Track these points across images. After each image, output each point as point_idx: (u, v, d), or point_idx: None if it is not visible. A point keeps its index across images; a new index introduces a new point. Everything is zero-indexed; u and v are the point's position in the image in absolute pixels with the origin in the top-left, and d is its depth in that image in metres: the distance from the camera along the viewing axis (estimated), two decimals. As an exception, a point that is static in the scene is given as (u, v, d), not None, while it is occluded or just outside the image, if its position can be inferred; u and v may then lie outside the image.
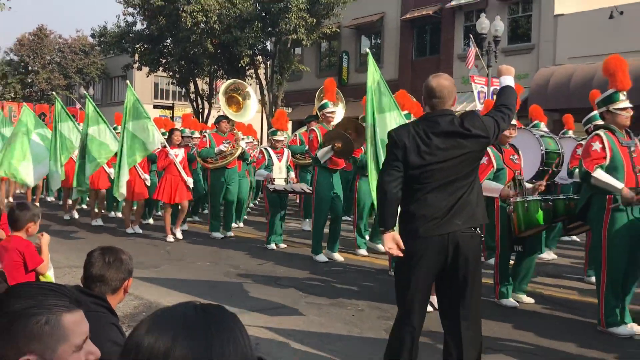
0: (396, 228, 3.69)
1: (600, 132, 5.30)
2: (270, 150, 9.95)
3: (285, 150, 10.11)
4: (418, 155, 3.54)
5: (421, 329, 3.72)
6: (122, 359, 1.20)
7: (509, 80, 4.00)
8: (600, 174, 5.10)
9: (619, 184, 5.04)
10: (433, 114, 3.68)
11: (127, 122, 9.40)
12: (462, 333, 3.59)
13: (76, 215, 12.60)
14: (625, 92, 5.33)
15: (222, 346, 1.15)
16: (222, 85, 11.13)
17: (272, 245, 9.35)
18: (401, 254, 3.58)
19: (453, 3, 24.36)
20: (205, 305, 1.23)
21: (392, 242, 3.60)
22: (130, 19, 29.56)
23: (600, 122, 7.62)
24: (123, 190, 9.32)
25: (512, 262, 6.34)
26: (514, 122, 6.31)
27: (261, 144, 17.61)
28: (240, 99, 10.74)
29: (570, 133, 9.54)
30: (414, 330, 3.66)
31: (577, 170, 6.84)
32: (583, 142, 7.49)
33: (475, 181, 3.69)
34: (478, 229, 3.67)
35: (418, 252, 3.57)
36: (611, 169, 5.14)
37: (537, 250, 6.27)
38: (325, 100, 9.12)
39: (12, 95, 42.25)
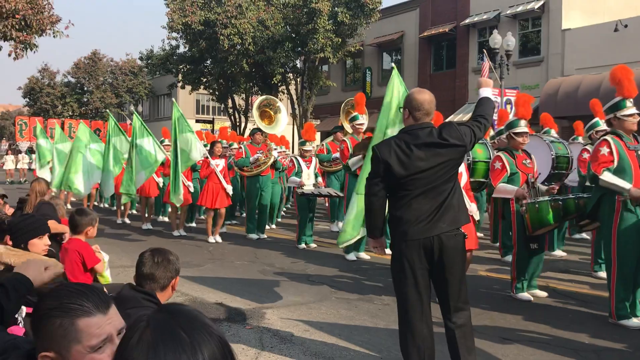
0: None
1: (608, 137, 5.20)
2: (299, 159, 9.98)
3: (313, 158, 10.13)
4: (401, 167, 3.54)
5: (429, 325, 3.66)
6: None
7: (486, 92, 4.00)
8: (607, 176, 5.02)
9: (626, 184, 4.95)
10: (413, 127, 3.66)
11: (177, 135, 9.51)
12: (456, 327, 3.64)
13: (128, 220, 12.77)
14: (631, 100, 5.23)
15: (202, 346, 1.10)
16: (256, 101, 11.22)
17: (303, 245, 9.36)
18: (385, 254, 3.67)
19: (467, 21, 24.20)
20: (177, 311, 1.17)
21: (376, 244, 3.85)
22: (173, 42, 29.95)
23: (600, 128, 7.52)
24: (181, 197, 9.47)
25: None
26: (526, 129, 6.24)
27: (293, 153, 17.66)
28: (272, 113, 10.82)
29: (580, 139, 9.36)
30: (421, 328, 3.62)
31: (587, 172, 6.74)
32: (588, 147, 7.38)
33: (456, 186, 3.68)
34: (460, 229, 3.66)
35: (408, 254, 3.58)
36: (619, 172, 5.04)
37: (544, 249, 6.18)
38: (355, 113, 9.11)
39: (70, 113, 43.17)
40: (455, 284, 3.62)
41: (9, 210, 5.44)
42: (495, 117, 15.55)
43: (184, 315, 1.15)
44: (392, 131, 6.12)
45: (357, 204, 6.05)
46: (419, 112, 3.65)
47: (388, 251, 4.22)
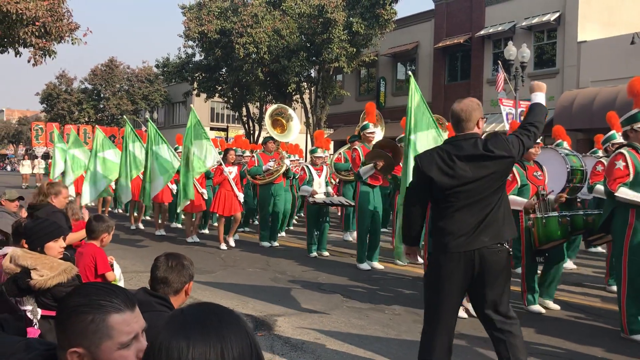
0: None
1: (624, 150, 5.16)
2: (310, 167, 10.00)
3: (325, 167, 10.14)
4: (442, 179, 3.45)
5: (450, 339, 3.57)
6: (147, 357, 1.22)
7: (539, 97, 3.79)
8: (623, 192, 4.98)
9: None
10: (456, 138, 3.56)
11: (192, 142, 9.59)
12: (506, 338, 3.49)
13: (142, 226, 12.85)
14: (648, 112, 5.19)
15: (231, 342, 1.17)
16: (268, 109, 11.29)
17: (314, 254, 9.36)
18: (417, 262, 3.67)
19: (482, 32, 24.17)
20: (213, 306, 1.24)
21: (409, 251, 3.85)
22: (189, 51, 30.23)
23: (617, 141, 7.46)
24: (187, 201, 9.55)
25: (539, 270, 6.21)
26: (538, 140, 6.21)
27: (306, 161, 17.69)
28: (284, 121, 10.88)
29: (600, 153, 9.27)
30: (445, 341, 3.53)
31: (597, 185, 6.69)
32: (603, 159, 7.33)
33: (502, 198, 3.54)
34: (505, 244, 3.51)
35: (447, 267, 3.47)
36: (635, 185, 5.00)
37: (563, 259, 6.14)
38: (366, 122, 9.13)
39: (87, 119, 43.61)
40: (495, 299, 3.50)
41: (24, 213, 5.51)
42: (507, 127, 15.53)
43: (217, 309, 1.22)
44: (414, 137, 6.18)
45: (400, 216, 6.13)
46: (460, 122, 3.55)
47: (420, 259, 4.22)
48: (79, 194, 15.26)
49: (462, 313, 5.77)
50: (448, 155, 3.48)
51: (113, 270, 4.48)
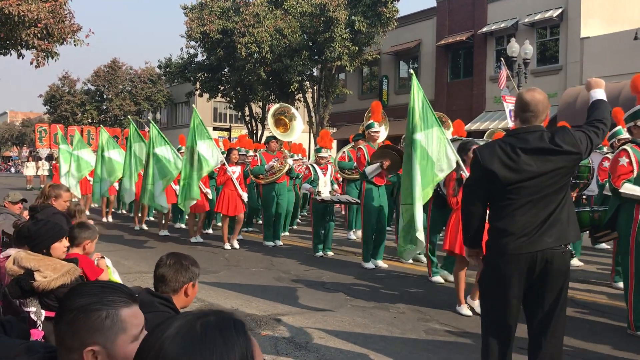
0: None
1: (627, 146, 5.14)
2: (315, 166, 9.99)
3: (329, 166, 10.12)
4: (506, 173, 3.23)
5: (510, 347, 3.40)
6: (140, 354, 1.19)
7: (599, 94, 3.60)
8: (627, 188, 4.96)
9: None
10: (521, 130, 3.34)
11: (194, 142, 9.58)
12: (544, 350, 3.30)
13: (145, 227, 12.87)
14: (652, 108, 5.17)
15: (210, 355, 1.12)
16: (271, 109, 11.28)
17: (320, 253, 9.35)
18: (479, 262, 3.47)
19: (485, 29, 24.12)
20: (209, 316, 1.19)
21: (471, 252, 3.59)
22: (192, 51, 30.25)
23: (622, 137, 7.43)
24: (191, 202, 9.56)
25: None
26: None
27: (309, 161, 17.70)
28: (287, 120, 10.86)
29: (605, 149, 9.24)
30: (499, 349, 3.35)
31: (607, 183, 6.67)
32: (609, 156, 7.31)
33: (567, 197, 3.30)
34: (569, 246, 3.32)
35: (507, 270, 3.24)
36: (639, 182, 4.98)
37: None
38: (371, 121, 9.11)
39: (90, 120, 43.69)
40: (552, 308, 3.26)
41: (27, 216, 5.51)
42: (510, 124, 15.49)
43: (223, 316, 1.18)
44: (419, 135, 6.16)
45: (404, 216, 6.11)
46: (527, 113, 3.31)
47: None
48: (85, 195, 15.34)
49: (467, 311, 5.76)
50: (512, 148, 3.25)
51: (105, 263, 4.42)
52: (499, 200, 3.31)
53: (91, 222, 5.76)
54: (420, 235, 5.95)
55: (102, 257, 4.41)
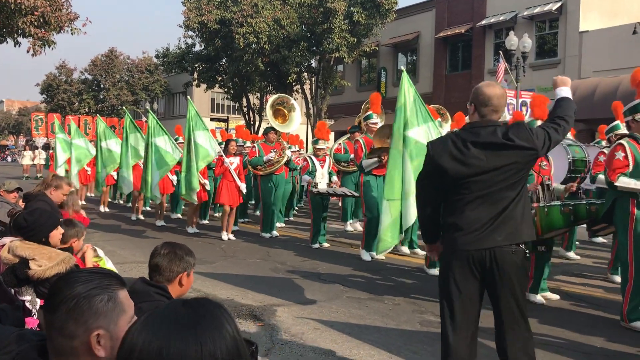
0: None
1: (623, 141, 5.15)
2: (313, 158, 9.98)
3: (327, 157, 10.11)
4: (455, 167, 3.16)
5: (469, 345, 3.25)
6: (119, 358, 1.18)
7: (565, 92, 3.53)
8: (623, 181, 4.97)
9: None
10: (476, 124, 3.26)
11: (192, 133, 9.56)
12: (509, 349, 3.17)
13: (142, 217, 12.86)
14: (652, 102, 5.17)
15: (213, 338, 1.12)
16: (269, 99, 11.24)
17: (317, 245, 9.36)
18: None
19: (484, 22, 24.07)
20: (192, 301, 1.19)
21: (431, 249, 3.52)
22: (189, 41, 30.10)
23: (620, 131, 7.44)
24: (194, 195, 9.56)
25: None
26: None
27: (307, 152, 17.70)
28: (285, 111, 10.84)
29: (603, 143, 9.26)
30: (457, 346, 3.22)
31: (599, 175, 6.69)
32: (605, 150, 7.32)
33: (522, 195, 3.20)
34: (522, 245, 3.18)
35: (457, 266, 3.19)
36: (635, 176, 4.99)
37: (550, 254, 6.14)
38: (370, 112, 9.09)
39: (87, 109, 43.54)
40: (508, 307, 3.15)
41: (22, 204, 5.50)
42: (508, 118, 15.51)
43: (200, 305, 1.17)
44: (412, 132, 6.14)
45: (391, 211, 6.08)
46: (486, 107, 3.22)
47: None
48: (84, 184, 15.32)
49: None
50: (463, 142, 3.18)
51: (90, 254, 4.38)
52: (451, 195, 3.25)
53: (83, 212, 5.76)
54: (405, 229, 6.00)
55: (94, 249, 4.37)
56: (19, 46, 15.09)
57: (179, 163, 10.50)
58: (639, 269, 4.99)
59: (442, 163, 3.20)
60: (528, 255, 3.26)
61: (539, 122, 6.16)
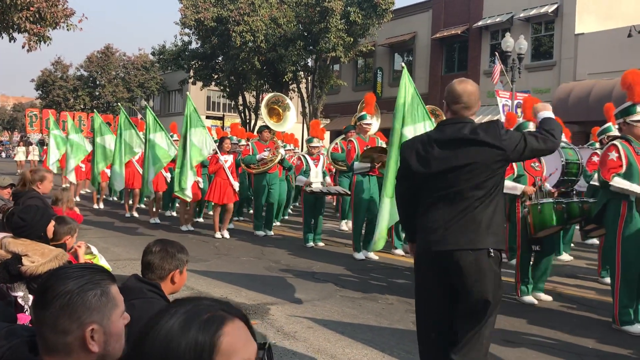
0: None
1: (617, 142, 5.18)
2: (307, 157, 9.98)
3: (321, 157, 10.11)
4: (418, 166, 3.13)
5: (440, 348, 3.16)
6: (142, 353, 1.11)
7: (547, 114, 3.38)
8: (618, 182, 4.99)
9: (638, 189, 4.91)
10: (445, 122, 3.21)
11: (189, 130, 9.54)
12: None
13: (136, 214, 12.83)
14: (642, 105, 5.19)
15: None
16: (264, 98, 11.23)
17: (310, 243, 9.36)
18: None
19: (480, 23, 24.11)
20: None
21: (411, 248, 3.47)
22: (186, 38, 30.04)
23: (613, 133, 7.48)
24: (189, 192, 9.55)
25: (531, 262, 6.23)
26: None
27: (302, 151, 17.70)
28: (280, 110, 10.83)
29: (597, 145, 9.31)
30: (429, 350, 3.18)
31: (596, 174, 6.72)
32: (598, 151, 7.35)
33: (490, 198, 3.03)
34: (488, 252, 3.00)
35: (422, 267, 3.17)
36: (627, 177, 5.02)
37: (553, 251, 6.16)
38: (364, 112, 9.09)
39: (82, 106, 43.39)
40: (469, 313, 3.03)
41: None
42: (503, 119, 15.57)
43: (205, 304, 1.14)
44: (407, 130, 6.15)
45: (388, 208, 6.10)
46: (457, 104, 3.13)
47: None
48: (78, 181, 15.27)
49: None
50: (429, 141, 3.14)
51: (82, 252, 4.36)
52: (421, 195, 3.21)
53: (77, 209, 5.74)
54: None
55: (88, 247, 4.36)
56: (14, 42, 15.04)
57: (174, 160, 10.49)
58: (626, 270, 5.02)
59: (410, 163, 3.18)
60: (502, 260, 3.12)
61: (532, 125, 6.18)
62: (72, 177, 14.52)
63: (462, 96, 3.12)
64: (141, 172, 12.16)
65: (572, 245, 8.86)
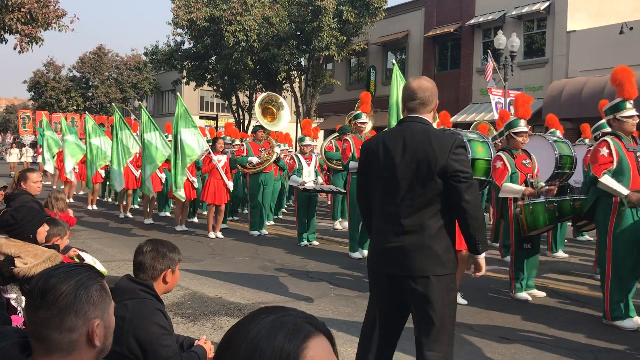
0: None
1: (608, 138, 5.20)
2: (300, 156, 9.98)
3: (314, 156, 10.11)
4: (363, 167, 3.12)
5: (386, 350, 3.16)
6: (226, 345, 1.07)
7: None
8: (607, 180, 5.01)
9: (624, 190, 4.93)
10: (401, 121, 3.11)
11: (180, 130, 9.53)
12: None
13: (130, 215, 12.80)
14: (632, 101, 5.22)
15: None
16: (258, 97, 11.23)
17: (304, 242, 9.36)
18: None
19: (472, 21, 24.16)
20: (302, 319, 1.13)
21: None
22: (179, 38, 30.01)
23: (607, 129, 7.51)
24: (182, 192, 9.53)
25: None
26: (525, 129, 6.24)
27: (296, 150, 17.70)
28: (274, 110, 10.83)
29: (587, 141, 9.40)
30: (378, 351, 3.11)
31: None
32: (591, 148, 7.39)
33: (431, 214, 2.86)
34: (435, 273, 2.85)
35: (370, 280, 3.16)
36: (618, 173, 5.04)
37: (538, 251, 6.18)
38: (359, 111, 9.09)
39: (75, 107, 43.26)
40: (426, 328, 2.92)
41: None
42: (496, 116, 15.61)
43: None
44: None
45: None
46: (413, 101, 3.01)
47: None
48: (69, 183, 15.22)
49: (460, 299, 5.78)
50: (375, 142, 3.06)
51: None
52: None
53: (71, 211, 5.71)
54: None
55: (79, 254, 4.34)
56: (6, 43, 14.98)
57: (168, 161, 10.48)
58: (616, 266, 5.04)
59: (361, 164, 3.16)
60: (452, 286, 2.96)
61: (522, 122, 6.20)
62: (72, 177, 14.47)
63: (418, 92, 3.01)
64: (135, 173, 12.17)
65: (565, 241, 8.89)
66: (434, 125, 6.12)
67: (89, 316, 1.49)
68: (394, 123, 6.13)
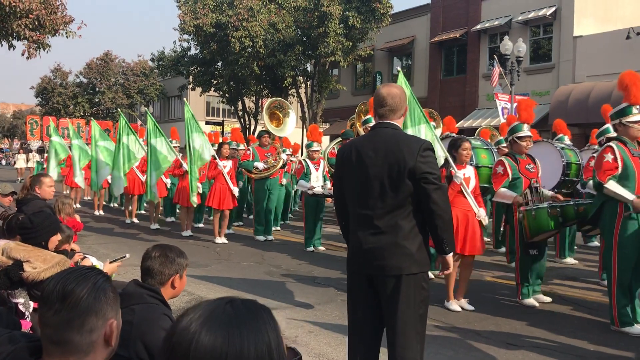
0: None
1: (612, 143, 5.18)
2: (308, 160, 9.99)
3: (322, 161, 10.12)
4: (338, 174, 3.22)
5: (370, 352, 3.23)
6: (165, 339, 1.20)
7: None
8: (612, 185, 5.00)
9: (630, 195, 4.92)
10: (371, 128, 3.21)
11: (190, 135, 9.57)
12: None
13: (136, 220, 12.84)
14: (638, 106, 5.20)
15: (241, 337, 1.10)
16: (266, 102, 11.28)
17: (311, 248, 9.37)
18: None
19: (478, 26, 24.16)
20: (237, 300, 1.18)
21: None
22: (185, 44, 30.10)
23: (612, 134, 7.50)
24: (195, 198, 9.57)
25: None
26: (529, 133, 6.24)
27: (302, 156, 17.70)
28: (281, 115, 10.87)
29: (596, 147, 9.35)
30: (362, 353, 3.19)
31: (590, 181, 6.73)
32: (596, 155, 7.37)
33: (403, 215, 2.98)
34: (409, 271, 2.96)
35: (348, 283, 3.28)
36: (623, 178, 5.02)
37: (544, 255, 6.16)
38: (369, 116, 9.10)
39: (82, 113, 43.45)
40: (396, 327, 3.01)
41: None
42: (502, 121, 15.57)
43: (249, 301, 1.19)
44: (420, 127, 6.19)
45: None
46: (382, 108, 3.12)
47: None
48: (76, 188, 15.27)
49: (456, 307, 5.80)
50: (349, 147, 3.16)
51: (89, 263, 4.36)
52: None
53: (78, 216, 5.74)
54: None
55: (85, 257, 4.36)
56: (14, 49, 15.07)
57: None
58: (621, 272, 5.02)
59: (336, 169, 3.26)
60: (424, 285, 3.05)
61: (526, 126, 6.20)
62: (80, 182, 14.50)
63: (387, 99, 3.10)
64: (142, 179, 12.21)
65: (575, 247, 8.85)
66: (439, 131, 6.14)
67: (107, 317, 1.53)
68: (409, 120, 6.16)
